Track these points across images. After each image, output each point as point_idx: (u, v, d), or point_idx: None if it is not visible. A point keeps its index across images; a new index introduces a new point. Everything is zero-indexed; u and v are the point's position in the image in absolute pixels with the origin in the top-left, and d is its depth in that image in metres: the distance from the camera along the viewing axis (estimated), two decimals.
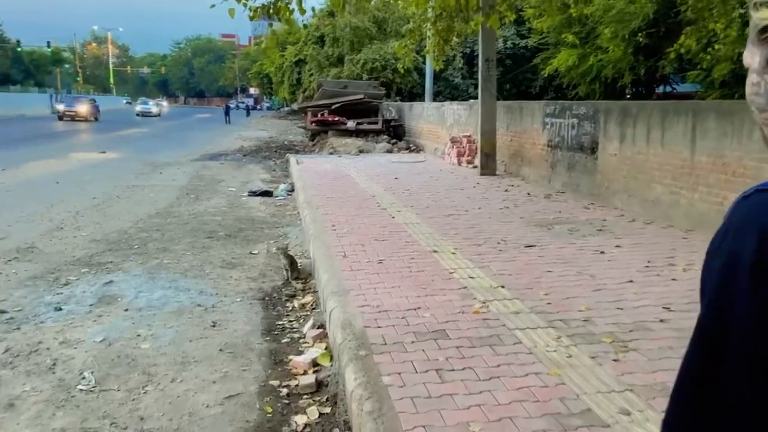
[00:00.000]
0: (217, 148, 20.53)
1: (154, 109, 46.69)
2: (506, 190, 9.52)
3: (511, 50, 25.61)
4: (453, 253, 5.54)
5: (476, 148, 12.42)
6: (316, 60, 31.44)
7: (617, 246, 5.87)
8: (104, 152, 17.44)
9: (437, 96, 24.72)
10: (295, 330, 4.43)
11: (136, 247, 6.74)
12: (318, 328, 4.29)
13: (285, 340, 4.23)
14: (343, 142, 17.69)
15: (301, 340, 4.21)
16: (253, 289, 5.29)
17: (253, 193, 10.60)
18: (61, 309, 4.70)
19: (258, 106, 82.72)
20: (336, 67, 30.06)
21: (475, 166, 12.31)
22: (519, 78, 26.01)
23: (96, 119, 36.36)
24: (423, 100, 21.50)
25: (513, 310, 4.01)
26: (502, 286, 4.52)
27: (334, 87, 20.82)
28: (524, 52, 24.94)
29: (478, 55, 12.10)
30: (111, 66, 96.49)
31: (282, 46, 41.39)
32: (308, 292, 5.29)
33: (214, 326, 4.38)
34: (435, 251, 5.62)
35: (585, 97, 18.28)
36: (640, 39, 15.23)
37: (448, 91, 27.17)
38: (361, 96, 19.39)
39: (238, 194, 10.66)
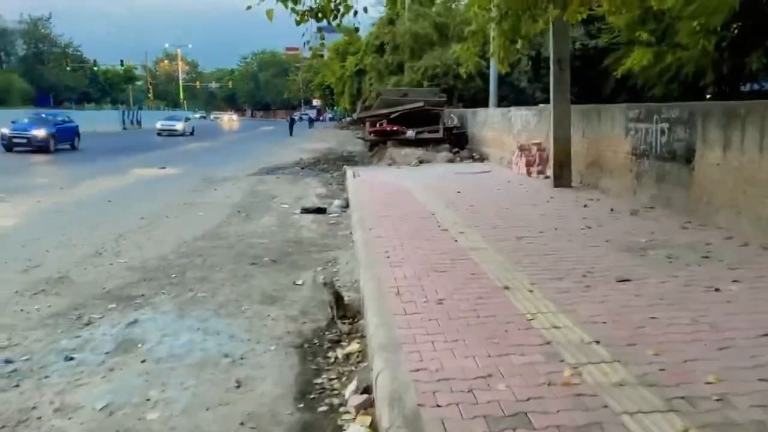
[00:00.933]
0: (276, 161, 20.20)
1: (179, 126, 39.30)
2: (585, 206, 8.43)
3: (580, 51, 24.11)
4: (530, 291, 4.59)
5: (548, 157, 11.34)
6: (376, 69, 30.95)
7: (735, 281, 4.75)
8: (164, 167, 17.36)
9: (501, 101, 23.55)
10: (335, 392, 3.62)
11: (173, 276, 6.14)
12: (363, 392, 3.46)
13: (322, 409, 3.42)
14: (403, 152, 16.89)
15: (342, 409, 3.40)
16: (291, 333, 4.52)
17: (306, 210, 9.94)
18: (72, 359, 4.09)
19: (321, 117, 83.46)
20: (396, 75, 29.43)
21: (547, 177, 11.22)
22: (588, 81, 24.50)
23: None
24: (486, 106, 20.44)
25: (615, 381, 3.04)
26: (597, 342, 3.55)
27: (394, 95, 20.09)
28: (593, 53, 23.44)
29: (545, 56, 11.08)
30: (181, 82, 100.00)
31: (342, 57, 41.26)
32: (355, 338, 4.47)
33: (238, 387, 3.63)
34: (507, 287, 4.69)
35: (662, 99, 16.78)
36: (727, 33, 13.74)
37: (513, 95, 25.91)
38: (421, 104, 18.55)
39: (291, 211, 10.03)
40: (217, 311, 5.04)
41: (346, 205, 10.12)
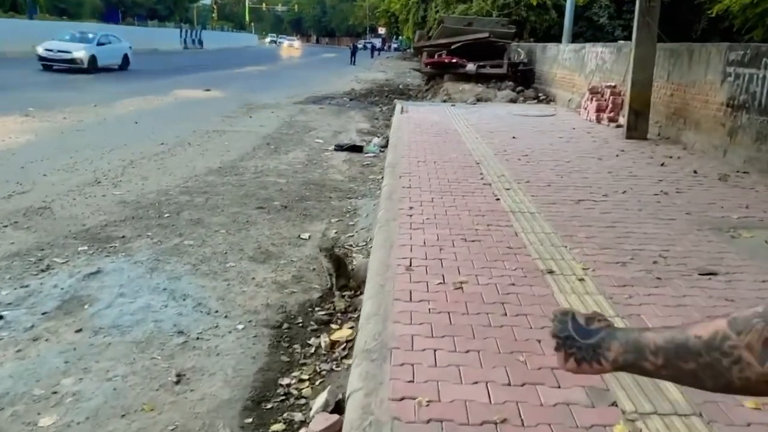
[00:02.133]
0: (327, 89, 19.10)
1: (77, 54, 20.92)
2: (662, 164, 7.06)
3: None
4: (580, 279, 3.51)
5: (622, 103, 9.82)
6: None
7: None
8: (209, 89, 16.60)
9: (577, 38, 21.37)
10: (301, 402, 2.74)
11: (165, 215, 5.35)
12: (334, 411, 2.55)
13: (275, 429, 2.54)
14: (460, 87, 15.46)
15: None
16: (271, 307, 3.64)
17: (340, 148, 8.95)
18: (1, 317, 3.35)
19: (385, 47, 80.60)
20: (464, 3, 27.24)
21: (619, 126, 9.75)
22: (678, 18, 21.86)
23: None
24: (560, 42, 18.49)
25: None
26: None
27: (457, 24, 18.38)
28: None
29: None
30: (248, 3, 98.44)
31: None
32: (350, 318, 3.56)
33: (177, 383, 2.79)
34: (551, 271, 3.63)
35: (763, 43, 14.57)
36: None
37: (590, 32, 23.55)
38: (486, 34, 16.84)
39: (324, 147, 9.06)
40: (196, 266, 4.21)
41: (386, 145, 9.06)
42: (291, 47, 71.03)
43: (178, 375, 2.84)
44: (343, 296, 3.89)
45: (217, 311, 3.53)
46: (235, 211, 5.57)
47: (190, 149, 8.39)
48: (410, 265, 3.68)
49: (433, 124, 10.12)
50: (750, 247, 4.21)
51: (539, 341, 2.75)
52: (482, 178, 6.11)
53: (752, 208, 5.21)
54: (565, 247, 4.07)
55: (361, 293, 3.72)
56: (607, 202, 5.33)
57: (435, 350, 2.66)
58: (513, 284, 3.42)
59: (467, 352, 2.66)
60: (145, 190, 6.15)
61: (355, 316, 3.55)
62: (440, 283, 3.42)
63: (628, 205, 5.24)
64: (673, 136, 8.76)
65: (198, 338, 3.21)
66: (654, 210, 5.11)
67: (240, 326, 3.36)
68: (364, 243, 4.86)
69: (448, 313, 3.04)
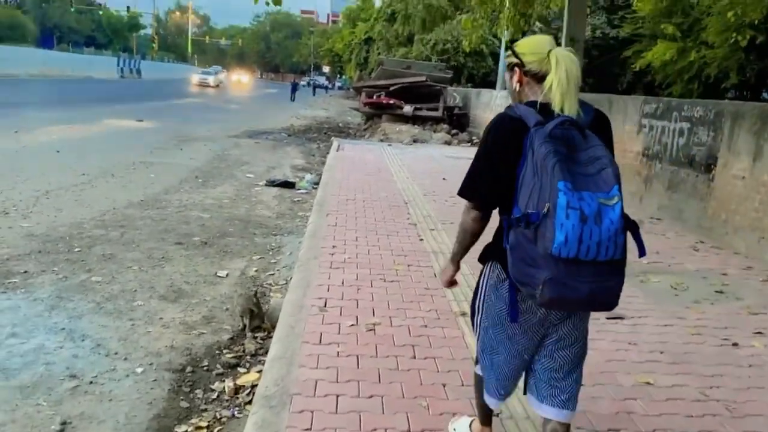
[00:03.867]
0: (265, 124, 19.00)
1: None
2: None
3: (600, 39, 22.74)
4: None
5: None
6: (385, 38, 29.57)
7: (757, 332, 3.69)
8: (141, 120, 16.21)
9: None
10: None
11: (76, 250, 5.09)
12: None
13: None
14: (397, 128, 15.72)
15: None
16: (176, 349, 3.47)
17: (272, 183, 8.86)
18: None
19: (330, 85, 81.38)
20: (405, 47, 28.05)
21: None
22: (605, 72, 23.14)
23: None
24: (495, 88, 19.19)
25: None
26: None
27: (396, 66, 18.82)
28: (614, 43, 22.05)
29: (560, 37, 9.84)
30: (191, 35, 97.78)
31: (353, 23, 39.72)
32: (259, 362, 3.44)
33: None
34: (464, 314, 3.64)
35: (679, 98, 15.58)
36: (757, 34, 12.49)
37: None
38: (424, 78, 17.30)
39: (254, 182, 8.94)
40: (101, 304, 4.00)
41: (320, 181, 9.03)
42: (240, 83, 64.53)
43: (63, 423, 2.64)
44: (255, 337, 3.77)
45: (116, 353, 3.34)
46: (151, 246, 5.36)
47: (113, 181, 8.09)
48: (324, 306, 3.62)
49: (367, 163, 10.19)
50: (656, 292, 4.38)
51: (444, 385, 2.73)
52: (408, 218, 6.15)
53: (662, 254, 5.44)
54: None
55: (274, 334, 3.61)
56: None
57: (338, 396, 2.59)
58: (425, 326, 3.41)
59: (371, 397, 2.60)
60: (56, 222, 5.85)
61: (265, 359, 3.44)
62: (353, 324, 3.37)
63: None
64: None
65: (91, 382, 3.01)
66: None
67: (139, 369, 3.18)
68: (284, 282, 4.76)
69: (357, 356, 2.98)
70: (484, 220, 1.88)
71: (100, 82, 35.68)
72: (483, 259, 1.93)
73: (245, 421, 2.75)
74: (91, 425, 2.66)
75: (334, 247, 4.90)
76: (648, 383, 2.92)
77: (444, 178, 8.95)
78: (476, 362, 2.08)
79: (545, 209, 1.54)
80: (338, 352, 3.00)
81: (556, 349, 1.83)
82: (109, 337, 3.53)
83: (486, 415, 2.17)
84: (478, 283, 1.98)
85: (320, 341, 3.12)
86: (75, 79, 26.86)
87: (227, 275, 4.80)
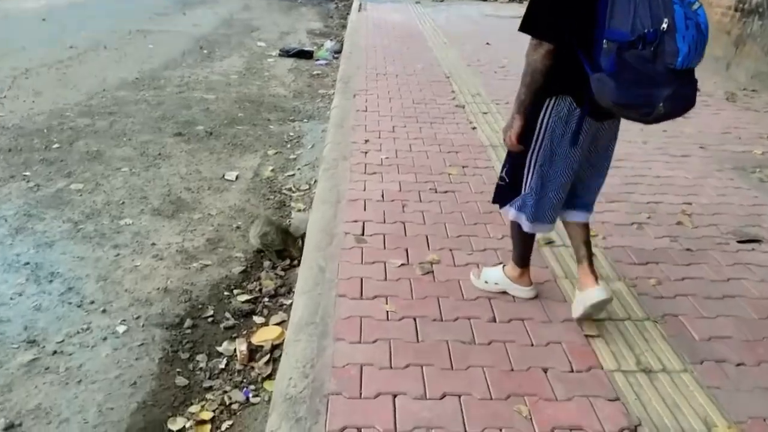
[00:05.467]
0: None
1: None
2: None
3: None
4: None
5: None
6: None
7: None
8: None
9: None
10: None
11: (54, 147, 4.19)
12: None
13: None
14: None
15: None
16: (171, 292, 2.66)
17: (286, 53, 7.64)
18: None
19: None
20: None
21: None
22: None
23: None
24: None
25: None
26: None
27: None
28: None
29: None
30: None
31: None
32: (281, 306, 2.63)
33: None
34: (551, 242, 2.73)
35: None
36: None
37: None
38: None
39: (267, 52, 7.73)
40: (79, 225, 3.16)
41: (341, 50, 7.79)
42: None
43: (8, 427, 1.89)
44: (274, 267, 2.94)
45: (92, 302, 2.54)
46: (145, 139, 4.43)
47: (105, 54, 6.98)
48: (362, 234, 2.72)
49: (396, 26, 8.82)
50: None
51: (545, 371, 1.89)
52: (454, 98, 5.05)
53: None
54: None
55: (299, 263, 2.77)
56: None
57: (394, 396, 1.77)
58: (502, 263, 2.51)
59: (442, 397, 1.77)
60: (34, 110, 4.90)
61: (288, 303, 2.62)
62: (403, 264, 2.49)
63: (629, 135, 4.31)
64: None
65: (55, 352, 2.24)
66: (661, 142, 4.21)
67: (121, 328, 2.39)
68: (307, 186, 3.85)
69: (414, 319, 2.13)
70: (556, 56, 1.76)
71: None
72: (544, 95, 1.86)
73: (264, 411, 1.98)
74: (48, 428, 1.90)
75: (366, 142, 3.91)
76: None
77: (488, 43, 7.62)
78: (510, 206, 2.10)
79: (664, 25, 1.53)
80: (388, 314, 2.15)
81: (597, 159, 2.03)
82: (86, 275, 2.72)
83: (525, 258, 2.21)
84: (533, 121, 1.91)
85: (361, 294, 2.26)
86: None
87: (237, 178, 3.90)
